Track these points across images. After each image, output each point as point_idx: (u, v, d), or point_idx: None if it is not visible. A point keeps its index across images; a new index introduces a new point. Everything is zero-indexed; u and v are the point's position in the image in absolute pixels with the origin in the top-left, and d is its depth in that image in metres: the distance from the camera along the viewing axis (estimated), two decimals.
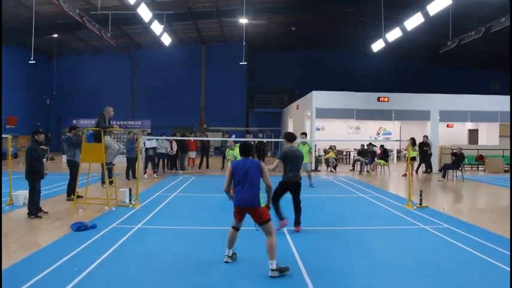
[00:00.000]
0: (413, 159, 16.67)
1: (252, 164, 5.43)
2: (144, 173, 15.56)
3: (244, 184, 5.27)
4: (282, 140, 13.71)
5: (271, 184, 5.49)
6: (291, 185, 7.31)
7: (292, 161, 7.30)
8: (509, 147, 19.91)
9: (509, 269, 5.30)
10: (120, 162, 15.01)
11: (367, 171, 17.95)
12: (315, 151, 19.79)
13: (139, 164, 12.27)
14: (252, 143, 16.96)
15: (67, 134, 10.66)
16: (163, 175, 16.15)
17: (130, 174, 14.85)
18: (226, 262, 5.46)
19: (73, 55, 30.92)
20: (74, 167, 9.98)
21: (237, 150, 12.35)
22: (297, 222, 7.30)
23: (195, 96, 31.98)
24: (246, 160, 5.48)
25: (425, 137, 18.52)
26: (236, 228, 5.49)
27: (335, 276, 5.10)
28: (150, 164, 15.81)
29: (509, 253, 5.96)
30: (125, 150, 14.41)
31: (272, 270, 5.00)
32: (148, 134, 19.23)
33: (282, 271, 5.04)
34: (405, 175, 16.55)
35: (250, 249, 6.09)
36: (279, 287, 4.76)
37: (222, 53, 30.90)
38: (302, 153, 7.57)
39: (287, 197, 7.39)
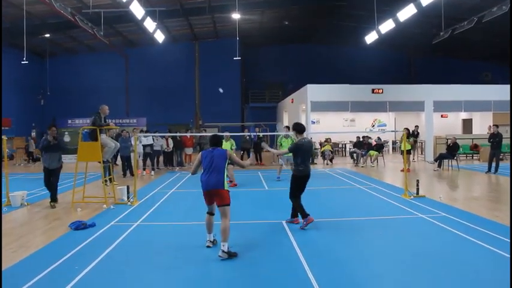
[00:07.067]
0: (408, 152, 16.63)
1: (218, 152, 5.90)
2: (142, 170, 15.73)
3: (210, 170, 5.73)
4: (280, 133, 13.76)
5: (242, 163, 6.27)
6: (304, 178, 7.15)
7: (304, 154, 7.14)
8: (504, 136, 20.00)
9: (504, 253, 5.41)
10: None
11: (371, 166, 17.80)
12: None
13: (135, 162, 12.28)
14: (248, 137, 17.23)
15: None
16: (160, 172, 16.17)
17: (128, 171, 14.91)
18: (208, 247, 5.87)
19: (66, 54, 30.75)
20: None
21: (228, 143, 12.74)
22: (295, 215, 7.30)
23: (189, 92, 31.95)
24: (213, 150, 5.94)
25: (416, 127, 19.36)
26: (211, 213, 5.93)
27: (335, 267, 5.14)
28: (141, 162, 15.84)
29: (503, 238, 6.06)
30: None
31: (223, 252, 5.37)
32: (146, 132, 19.17)
33: (231, 255, 5.39)
34: (404, 170, 16.57)
35: (249, 244, 6.14)
36: (280, 279, 4.80)
37: (215, 49, 30.86)
38: (312, 144, 7.46)
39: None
